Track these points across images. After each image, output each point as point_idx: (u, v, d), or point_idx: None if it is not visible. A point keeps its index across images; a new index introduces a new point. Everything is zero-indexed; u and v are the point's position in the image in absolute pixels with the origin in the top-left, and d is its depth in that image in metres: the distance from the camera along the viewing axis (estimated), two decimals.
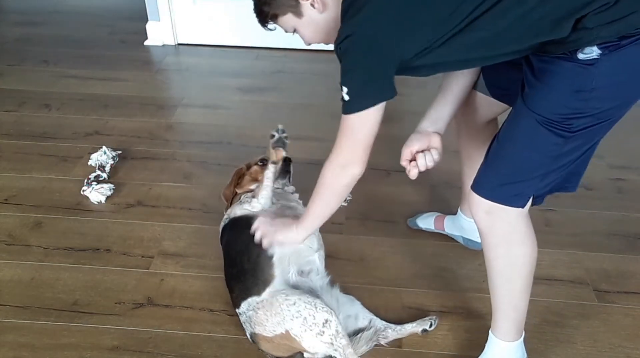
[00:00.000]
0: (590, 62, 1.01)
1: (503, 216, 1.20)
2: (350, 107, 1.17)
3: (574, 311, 1.62)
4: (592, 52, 1.01)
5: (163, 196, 2.04)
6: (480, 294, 1.67)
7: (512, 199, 1.18)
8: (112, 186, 2.04)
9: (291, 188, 1.69)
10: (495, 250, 1.26)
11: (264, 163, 1.66)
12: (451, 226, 1.81)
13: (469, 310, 1.63)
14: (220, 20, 3.09)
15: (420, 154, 1.32)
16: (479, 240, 1.76)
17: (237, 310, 1.46)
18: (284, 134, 1.66)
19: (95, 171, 2.09)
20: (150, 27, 3.17)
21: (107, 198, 2.01)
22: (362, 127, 1.19)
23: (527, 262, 1.26)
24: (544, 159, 1.14)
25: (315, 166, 2.24)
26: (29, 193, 2.04)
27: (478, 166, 1.60)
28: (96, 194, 1.99)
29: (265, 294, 1.40)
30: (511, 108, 1.22)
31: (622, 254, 1.82)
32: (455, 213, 1.81)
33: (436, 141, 1.33)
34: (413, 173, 1.32)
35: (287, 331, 1.33)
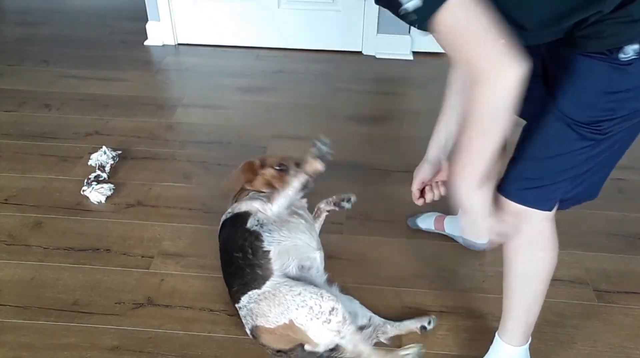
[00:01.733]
0: (629, 62, 0.95)
1: (529, 219, 1.16)
2: (431, 3, 0.83)
3: (574, 311, 1.62)
4: (630, 52, 0.94)
5: (163, 196, 2.04)
6: (480, 294, 1.67)
7: (540, 203, 1.15)
8: (112, 186, 2.04)
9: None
10: (517, 252, 1.24)
11: (282, 168, 1.60)
12: (451, 226, 1.81)
13: (469, 310, 1.63)
14: (220, 20, 3.09)
15: (428, 188, 1.33)
16: (478, 241, 1.77)
17: (237, 305, 1.44)
18: (329, 150, 1.50)
19: (95, 171, 2.10)
20: (150, 27, 3.17)
21: (107, 198, 2.01)
22: (463, 16, 0.84)
23: (548, 266, 1.25)
24: (573, 163, 1.10)
25: None
26: (29, 193, 2.04)
27: None
28: (96, 194, 1.99)
29: (267, 286, 1.39)
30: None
31: (622, 254, 1.82)
32: (455, 214, 1.81)
33: (444, 174, 1.31)
34: (419, 203, 1.34)
35: (290, 321, 1.32)
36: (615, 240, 1.87)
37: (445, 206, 1.94)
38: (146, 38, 3.19)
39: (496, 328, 1.55)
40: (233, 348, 1.51)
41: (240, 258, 1.45)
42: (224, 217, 1.59)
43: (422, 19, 0.84)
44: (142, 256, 1.78)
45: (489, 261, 1.78)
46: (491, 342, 1.46)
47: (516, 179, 1.16)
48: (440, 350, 1.51)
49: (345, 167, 2.18)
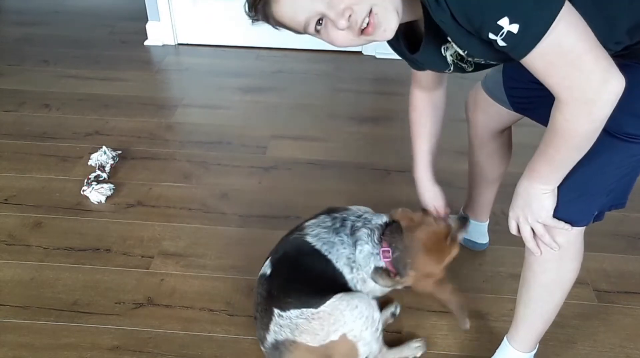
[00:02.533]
0: None
1: (564, 233, 1.11)
2: (536, 30, 0.79)
3: (574, 311, 1.62)
4: None
5: (163, 196, 2.04)
6: (480, 294, 1.67)
7: (582, 217, 1.12)
8: (112, 186, 2.05)
9: None
10: (545, 264, 1.19)
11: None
12: None
13: (469, 310, 1.62)
14: (220, 20, 3.09)
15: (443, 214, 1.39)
16: (479, 241, 1.77)
17: (276, 310, 1.30)
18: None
19: (95, 171, 2.10)
20: (150, 27, 3.17)
21: (107, 198, 2.01)
22: (570, 38, 0.80)
23: (573, 277, 1.22)
24: (618, 175, 1.07)
25: (315, 166, 2.23)
26: (29, 193, 2.04)
27: (487, 174, 1.61)
28: (96, 194, 1.99)
29: (325, 306, 1.28)
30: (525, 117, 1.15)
31: (622, 254, 1.82)
32: (455, 213, 1.81)
33: (442, 198, 1.42)
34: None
35: (343, 335, 1.26)
36: (615, 240, 1.87)
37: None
38: (146, 38, 3.19)
39: (496, 328, 1.55)
40: (233, 348, 1.51)
41: (312, 274, 1.34)
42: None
43: (526, 40, 0.80)
44: (142, 256, 1.78)
45: (489, 261, 1.78)
46: (491, 342, 1.47)
47: (562, 196, 1.08)
48: (440, 350, 1.51)
49: (345, 167, 2.19)
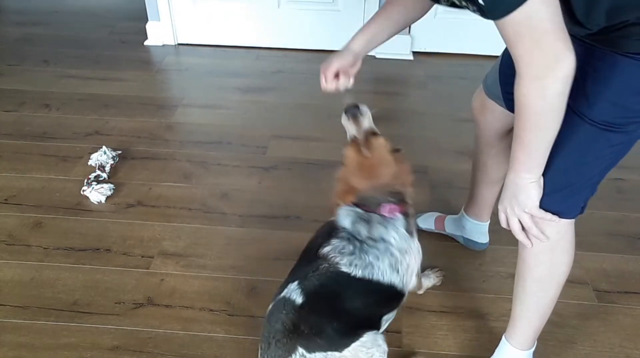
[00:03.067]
0: None
1: (554, 225, 1.13)
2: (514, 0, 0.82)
3: (574, 311, 1.62)
4: None
5: (163, 196, 2.04)
6: (480, 294, 1.67)
7: (570, 210, 1.13)
8: (112, 186, 2.05)
9: None
10: (538, 256, 1.21)
11: None
12: (452, 226, 1.81)
13: (468, 310, 1.63)
14: (220, 20, 3.09)
15: (344, 74, 1.31)
16: (479, 240, 1.77)
17: (301, 349, 1.20)
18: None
19: (95, 171, 2.10)
20: (150, 27, 3.17)
21: (107, 198, 2.01)
22: (540, 14, 0.84)
23: (566, 271, 1.23)
24: (601, 166, 1.08)
25: (316, 166, 2.24)
26: (29, 193, 2.04)
27: (491, 174, 1.60)
28: (96, 194, 1.99)
29: (348, 351, 1.22)
30: None
31: (622, 254, 1.82)
32: (455, 213, 1.81)
33: (357, 68, 1.32)
34: (330, 86, 1.32)
35: None
36: (615, 240, 1.87)
37: (445, 206, 1.95)
38: (146, 38, 3.19)
39: (496, 328, 1.55)
40: (233, 348, 1.51)
41: (354, 306, 1.27)
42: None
43: (502, 9, 0.84)
44: (142, 256, 1.78)
45: (489, 261, 1.78)
46: (491, 342, 1.47)
47: (545, 187, 1.10)
48: (440, 350, 1.51)
49: None
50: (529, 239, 1.15)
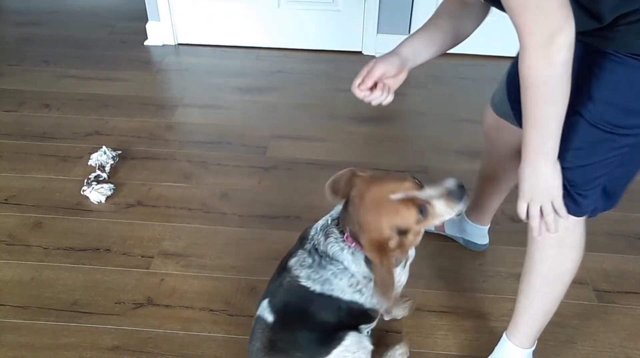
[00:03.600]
0: None
1: (562, 221, 1.11)
2: None
3: (574, 311, 1.62)
4: None
5: (163, 196, 2.04)
6: (480, 294, 1.67)
7: (576, 210, 1.12)
8: (112, 186, 2.05)
9: None
10: (545, 252, 1.20)
11: None
12: (452, 228, 1.81)
13: (468, 310, 1.63)
14: (220, 20, 3.09)
15: (381, 86, 1.17)
16: (479, 242, 1.78)
17: None
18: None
19: (95, 171, 2.10)
20: (150, 27, 3.17)
21: (107, 198, 2.01)
22: None
23: (573, 268, 1.22)
24: (597, 168, 1.08)
25: (316, 166, 2.24)
26: (29, 193, 2.04)
27: (502, 186, 1.59)
28: (96, 194, 1.99)
29: (332, 357, 1.24)
30: None
31: (622, 254, 1.82)
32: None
33: (401, 79, 1.20)
34: (362, 94, 1.17)
35: None
36: (615, 240, 1.87)
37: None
38: (146, 38, 3.19)
39: (496, 328, 1.55)
40: (233, 348, 1.51)
41: (322, 318, 1.25)
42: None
43: None
44: (142, 256, 1.78)
45: (489, 261, 1.78)
46: (491, 342, 1.47)
47: None
48: (440, 350, 1.51)
49: (345, 167, 2.18)
50: (540, 229, 1.11)
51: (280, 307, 1.23)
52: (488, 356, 1.43)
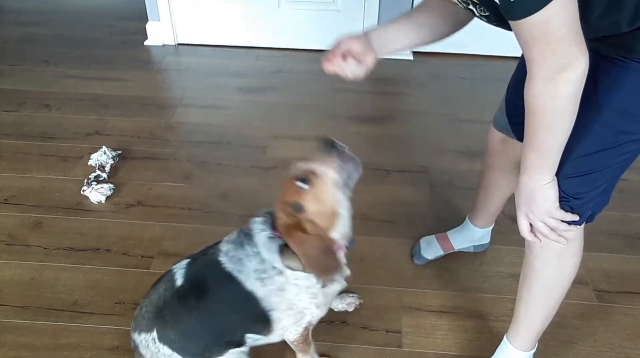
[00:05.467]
0: None
1: (570, 232, 1.12)
2: (532, 4, 0.81)
3: (574, 311, 1.62)
4: None
5: (163, 196, 2.04)
6: (480, 294, 1.67)
7: (580, 219, 1.12)
8: (112, 186, 2.04)
9: None
10: (547, 260, 1.20)
11: None
12: (461, 240, 1.76)
13: (468, 310, 1.63)
14: (220, 20, 3.09)
15: (353, 61, 1.15)
16: (485, 241, 1.77)
17: (156, 333, 1.21)
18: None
19: (95, 171, 2.10)
20: (150, 27, 3.17)
21: (107, 198, 2.01)
22: (558, 20, 0.83)
23: (573, 273, 1.23)
24: (612, 173, 1.08)
25: None
26: (29, 193, 2.04)
27: (507, 192, 1.57)
28: (96, 194, 1.99)
29: None
30: None
31: (622, 254, 1.82)
32: (455, 213, 1.81)
33: (371, 61, 1.16)
34: (329, 67, 1.15)
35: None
36: (615, 240, 1.87)
37: (445, 206, 1.95)
38: (146, 38, 3.19)
39: (496, 328, 1.55)
40: None
41: (216, 312, 1.24)
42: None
43: (523, 10, 0.82)
44: (142, 256, 1.78)
45: (489, 261, 1.78)
46: (491, 342, 1.47)
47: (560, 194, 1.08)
48: (440, 350, 1.51)
49: None
50: (553, 238, 1.11)
51: (191, 277, 1.22)
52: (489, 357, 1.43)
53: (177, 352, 1.21)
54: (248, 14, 3.05)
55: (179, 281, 1.22)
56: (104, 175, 2.09)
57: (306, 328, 1.30)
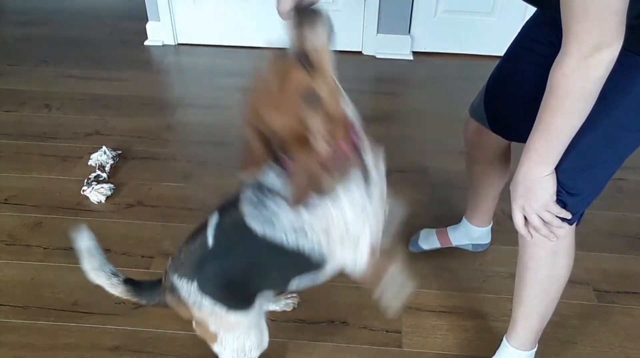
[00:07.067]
0: None
1: (560, 229, 1.12)
2: None
3: (574, 311, 1.62)
4: None
5: (163, 196, 2.04)
6: (480, 294, 1.67)
7: (575, 216, 1.12)
8: (112, 186, 2.04)
9: None
10: (540, 260, 1.21)
11: None
12: (459, 237, 1.77)
13: (468, 310, 1.63)
14: (220, 20, 3.09)
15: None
16: (485, 241, 1.77)
17: (198, 284, 1.20)
18: None
19: (95, 171, 2.10)
20: (150, 27, 3.17)
21: (107, 198, 2.01)
22: None
23: (567, 273, 1.23)
24: (613, 170, 1.08)
25: None
26: (29, 193, 2.04)
27: (488, 190, 1.59)
28: (96, 194, 1.99)
29: (234, 315, 1.27)
30: None
31: (622, 254, 1.82)
32: (455, 213, 1.81)
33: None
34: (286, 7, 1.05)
35: (220, 338, 1.32)
36: (615, 240, 1.87)
37: (445, 206, 1.95)
38: (146, 38, 3.19)
39: (496, 328, 1.55)
40: None
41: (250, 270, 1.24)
42: None
43: None
44: (142, 256, 1.78)
45: (489, 261, 1.78)
46: (491, 342, 1.47)
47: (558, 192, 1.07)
48: (440, 350, 1.51)
49: None
50: (544, 233, 1.10)
51: (220, 233, 1.19)
52: None
53: (219, 302, 1.20)
54: (248, 14, 3.04)
55: (210, 241, 1.22)
56: (104, 175, 2.09)
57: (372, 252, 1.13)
